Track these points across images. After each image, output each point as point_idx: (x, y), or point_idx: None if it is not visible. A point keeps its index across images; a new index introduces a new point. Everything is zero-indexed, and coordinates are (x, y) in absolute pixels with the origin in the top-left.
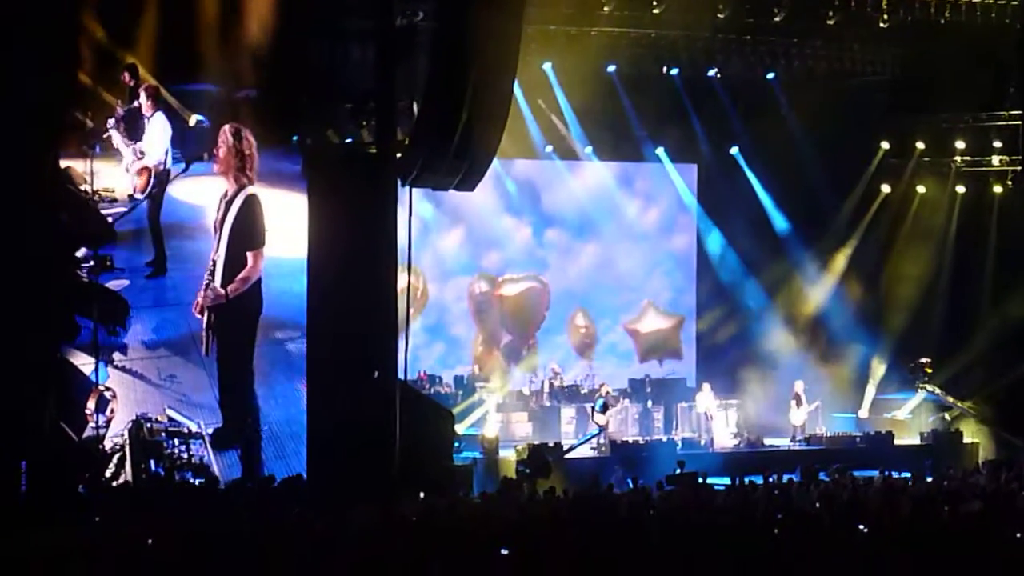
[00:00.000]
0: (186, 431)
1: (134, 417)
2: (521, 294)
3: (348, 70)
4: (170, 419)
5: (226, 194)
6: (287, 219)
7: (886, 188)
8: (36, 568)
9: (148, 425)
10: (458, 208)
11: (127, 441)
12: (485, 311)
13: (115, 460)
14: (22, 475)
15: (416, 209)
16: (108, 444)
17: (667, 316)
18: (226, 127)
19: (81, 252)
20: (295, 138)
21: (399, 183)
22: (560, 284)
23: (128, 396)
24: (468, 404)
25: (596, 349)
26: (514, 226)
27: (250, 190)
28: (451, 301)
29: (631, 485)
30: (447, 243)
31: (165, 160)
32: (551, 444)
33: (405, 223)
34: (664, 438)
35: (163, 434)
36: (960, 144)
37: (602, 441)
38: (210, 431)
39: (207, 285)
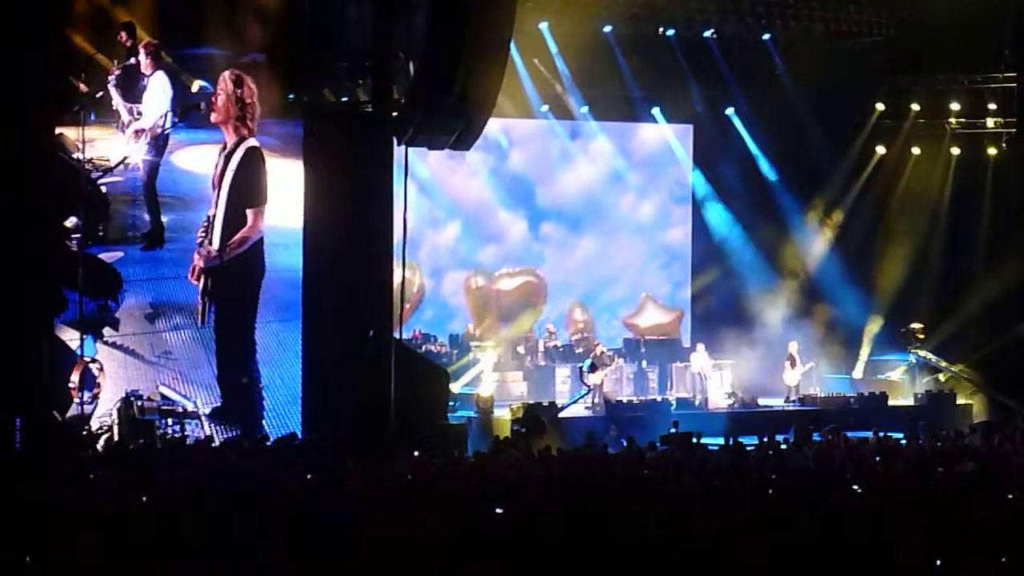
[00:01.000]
0: (180, 410)
1: (124, 395)
2: (517, 288)
3: (344, 28)
4: (163, 397)
5: (225, 147)
6: (296, 188)
7: (881, 149)
8: (29, 524)
9: (139, 403)
10: (454, 203)
11: (116, 420)
12: (482, 306)
13: (103, 440)
14: (16, 432)
15: (411, 202)
16: (95, 424)
17: (666, 310)
18: (226, 73)
19: (71, 222)
20: (291, 96)
21: (395, 142)
22: (557, 278)
23: (119, 373)
24: (463, 363)
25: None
26: (509, 220)
27: (251, 142)
28: (448, 296)
29: (625, 445)
30: (443, 238)
31: (164, 123)
32: (546, 403)
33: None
34: (659, 398)
35: (155, 413)
36: (955, 106)
37: (596, 401)
38: (208, 411)
39: (200, 244)
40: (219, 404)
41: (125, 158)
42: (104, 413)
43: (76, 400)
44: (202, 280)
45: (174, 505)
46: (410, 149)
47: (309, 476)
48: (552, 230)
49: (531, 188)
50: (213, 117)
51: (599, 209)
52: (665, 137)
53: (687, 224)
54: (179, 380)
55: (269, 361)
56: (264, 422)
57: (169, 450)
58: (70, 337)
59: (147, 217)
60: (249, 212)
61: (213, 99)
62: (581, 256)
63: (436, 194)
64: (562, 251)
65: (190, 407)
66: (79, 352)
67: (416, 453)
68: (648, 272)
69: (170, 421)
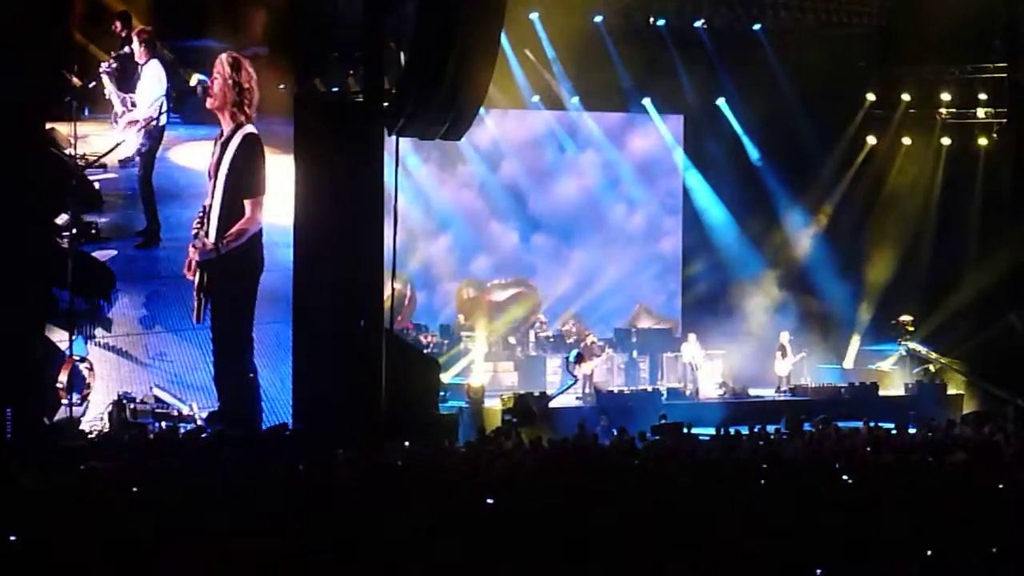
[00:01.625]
0: (175, 413)
1: (116, 397)
2: (510, 299)
3: (335, 18)
4: (157, 399)
5: (221, 134)
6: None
7: (872, 140)
8: (20, 513)
9: (132, 406)
10: (445, 213)
11: (108, 424)
12: (474, 317)
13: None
14: (7, 422)
15: (401, 212)
16: (86, 426)
17: (661, 319)
18: (223, 56)
19: (62, 219)
20: (281, 86)
21: (386, 132)
22: (549, 288)
23: (112, 375)
24: (454, 353)
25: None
26: (501, 231)
27: (248, 129)
28: (439, 308)
29: (616, 435)
30: (434, 249)
31: (159, 116)
32: (536, 393)
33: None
34: (649, 388)
35: (149, 416)
36: (946, 96)
37: (587, 391)
38: (204, 415)
39: (195, 236)
40: (216, 407)
41: (117, 145)
42: (95, 416)
43: (64, 401)
44: (197, 275)
45: (165, 494)
46: (403, 155)
47: (300, 466)
48: (544, 240)
49: (523, 198)
50: (209, 103)
51: (592, 219)
52: (657, 144)
53: (679, 233)
54: (175, 383)
55: (269, 363)
56: (263, 425)
57: (159, 440)
58: (60, 338)
59: (142, 214)
60: (247, 203)
61: (209, 84)
62: (574, 266)
63: (427, 204)
64: (555, 261)
65: (185, 410)
66: (68, 352)
67: (407, 443)
68: (642, 282)
69: (164, 424)
